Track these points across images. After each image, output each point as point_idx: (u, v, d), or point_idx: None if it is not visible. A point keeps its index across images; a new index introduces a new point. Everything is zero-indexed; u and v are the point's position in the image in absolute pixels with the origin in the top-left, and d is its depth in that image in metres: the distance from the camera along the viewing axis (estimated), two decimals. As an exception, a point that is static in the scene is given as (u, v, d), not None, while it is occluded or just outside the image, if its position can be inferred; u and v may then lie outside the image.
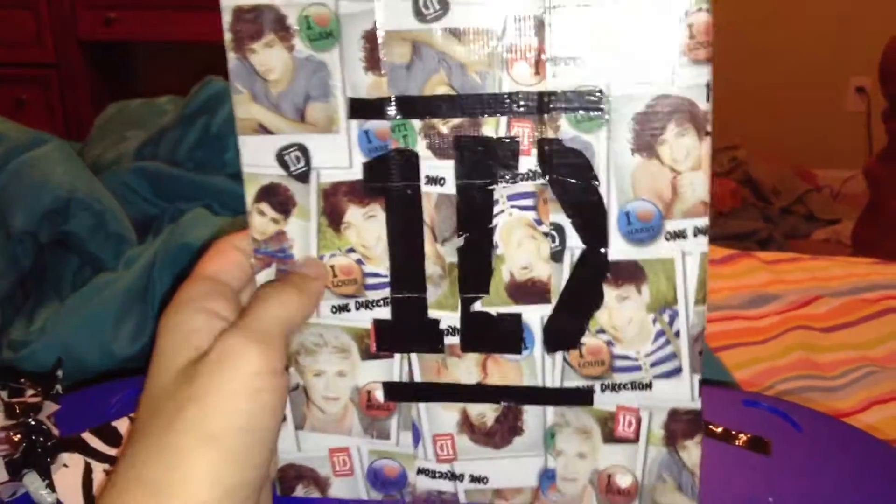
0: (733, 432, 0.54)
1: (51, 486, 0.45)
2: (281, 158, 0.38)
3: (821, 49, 2.96)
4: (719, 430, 0.54)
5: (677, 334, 0.39)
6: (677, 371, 0.39)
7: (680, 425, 0.40)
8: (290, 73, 0.37)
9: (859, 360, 0.92)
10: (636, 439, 0.41)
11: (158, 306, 0.69)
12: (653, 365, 0.39)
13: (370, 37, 0.36)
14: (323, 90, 0.37)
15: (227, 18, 0.37)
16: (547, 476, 0.42)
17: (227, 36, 0.37)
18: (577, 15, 0.36)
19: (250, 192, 0.39)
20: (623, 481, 0.41)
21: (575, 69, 0.36)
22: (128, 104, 1.13)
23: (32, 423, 0.46)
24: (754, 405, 0.57)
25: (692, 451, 0.41)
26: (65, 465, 0.46)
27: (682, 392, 0.40)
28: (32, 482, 0.45)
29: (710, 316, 1.06)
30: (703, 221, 0.37)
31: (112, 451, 0.47)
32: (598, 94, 0.36)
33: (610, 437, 0.41)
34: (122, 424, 0.48)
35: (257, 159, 0.38)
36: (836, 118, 3.07)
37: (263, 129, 0.38)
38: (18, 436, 0.45)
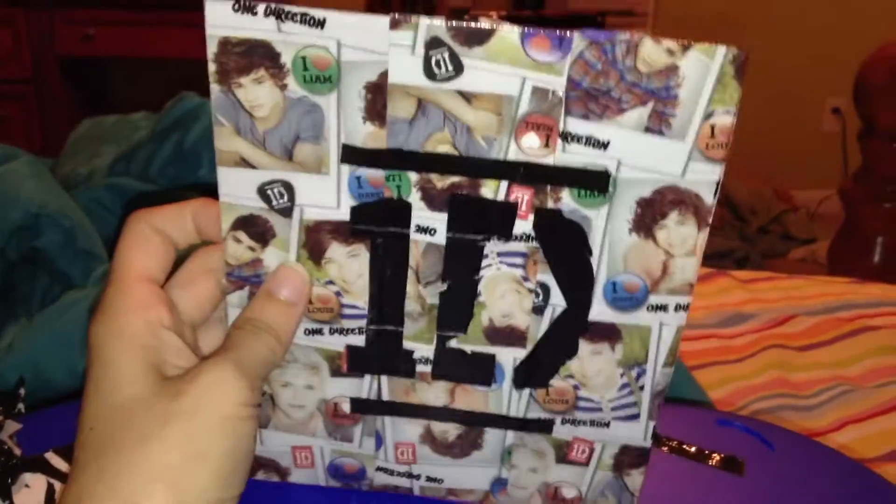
0: (707, 452, 0.54)
1: (11, 508, 0.44)
2: (263, 192, 0.36)
3: (796, 70, 2.99)
4: (693, 449, 0.54)
5: (641, 388, 0.40)
6: (635, 416, 0.41)
7: (628, 458, 0.42)
8: (279, 112, 0.34)
9: (834, 379, 0.93)
10: (587, 464, 0.43)
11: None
12: (613, 409, 0.41)
13: (374, 88, 0.34)
14: (314, 132, 0.35)
15: (212, 49, 0.33)
16: (499, 482, 0.43)
17: (211, 67, 0.33)
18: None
19: (227, 221, 0.37)
20: (568, 493, 0.43)
21: (587, 148, 0.35)
22: (102, 120, 1.13)
23: (-7, 442, 0.45)
24: (728, 425, 0.57)
25: (636, 478, 0.43)
26: (26, 486, 0.45)
27: (637, 433, 0.41)
28: (-8, 504, 0.44)
29: (685, 334, 1.05)
30: (687, 300, 0.38)
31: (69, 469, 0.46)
32: (606, 175, 0.35)
33: (563, 459, 0.43)
34: (85, 444, 0.47)
35: (236, 190, 0.36)
36: (812, 139, 3.10)
37: (246, 163, 0.35)
38: (-22, 456, 0.44)
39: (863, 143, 1.76)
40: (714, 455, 0.53)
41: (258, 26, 0.33)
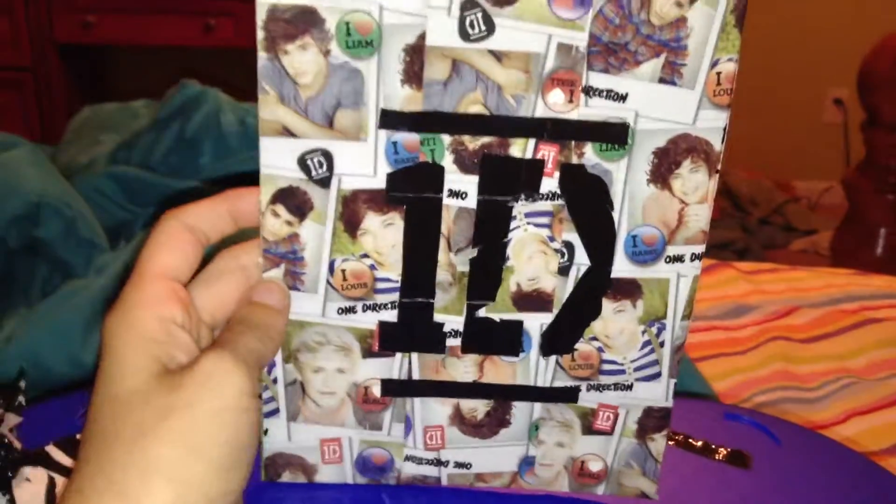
0: (713, 446, 0.53)
1: (12, 502, 0.44)
2: (303, 162, 0.37)
3: (798, 61, 2.98)
4: (699, 444, 0.54)
5: (662, 344, 0.42)
6: (657, 376, 0.43)
7: (651, 421, 0.44)
8: (322, 78, 0.36)
9: (838, 372, 0.92)
10: (611, 432, 0.44)
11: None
12: (636, 369, 0.43)
13: (411, 50, 0.36)
14: (354, 98, 0.36)
15: (261, 16, 0.35)
16: (526, 462, 0.45)
17: (260, 34, 0.35)
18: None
19: (266, 193, 0.38)
20: (594, 466, 0.45)
21: (607, 101, 0.37)
22: (102, 107, 1.12)
23: (-7, 435, 0.45)
24: (735, 419, 0.56)
25: (659, 443, 0.45)
26: (27, 480, 0.45)
27: (659, 393, 0.43)
28: (-8, 497, 0.44)
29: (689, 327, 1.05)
30: (701, 248, 0.40)
31: (73, 464, 0.46)
32: (626, 128, 0.38)
33: (588, 429, 0.44)
34: (87, 437, 0.47)
35: (277, 161, 0.37)
36: (814, 129, 3.10)
37: (287, 132, 0.37)
38: (-22, 449, 0.44)
39: (866, 134, 1.76)
40: (720, 449, 0.53)
41: None
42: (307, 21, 0.35)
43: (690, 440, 0.54)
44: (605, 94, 0.37)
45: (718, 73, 0.37)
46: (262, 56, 0.35)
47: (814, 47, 2.97)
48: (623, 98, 0.37)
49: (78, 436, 0.47)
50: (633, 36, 0.36)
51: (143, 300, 0.35)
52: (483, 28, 0.35)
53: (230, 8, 2.51)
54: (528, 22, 0.35)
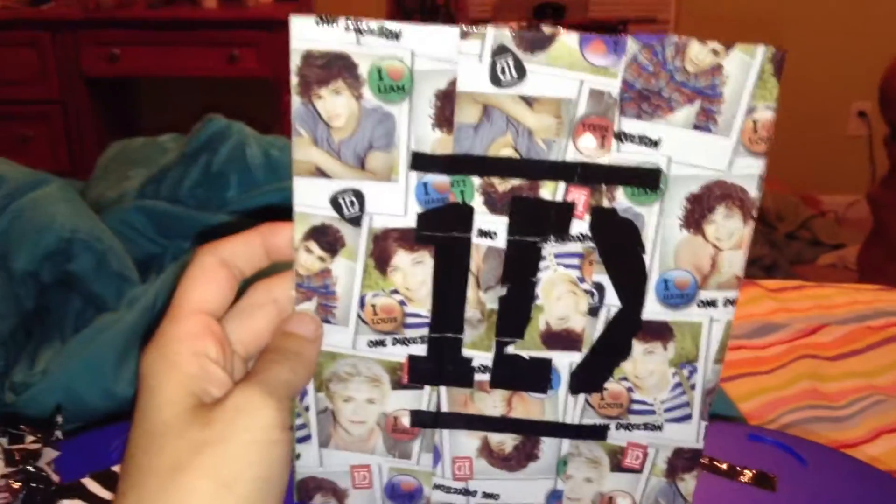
0: (738, 468, 0.54)
1: (50, 534, 0.45)
2: (335, 202, 0.38)
3: (822, 74, 2.97)
4: (724, 466, 0.54)
5: (693, 387, 0.42)
6: (688, 417, 0.42)
7: (682, 461, 0.44)
8: (354, 121, 0.37)
9: (866, 389, 0.92)
10: (641, 470, 0.44)
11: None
12: (666, 410, 0.42)
13: (443, 95, 0.36)
14: (386, 140, 0.37)
15: (295, 62, 0.35)
16: (554, 495, 0.45)
17: (294, 80, 0.36)
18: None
19: (300, 231, 0.38)
20: (622, 503, 0.45)
21: (640, 146, 0.37)
22: (130, 143, 1.14)
23: (32, 470, 0.46)
24: (759, 440, 0.57)
25: (689, 483, 0.44)
26: (65, 512, 0.46)
27: (689, 434, 0.43)
28: (32, 530, 0.45)
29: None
30: (735, 294, 0.40)
31: (112, 497, 0.47)
32: (658, 173, 0.37)
33: (617, 466, 0.44)
34: (122, 469, 0.48)
35: (310, 200, 0.38)
36: (838, 143, 3.08)
37: (320, 173, 0.37)
38: (18, 483, 0.45)
39: (889, 148, 1.75)
40: (746, 471, 0.53)
41: (338, 38, 0.35)
42: (340, 66, 0.36)
43: (716, 462, 0.54)
44: (637, 139, 0.37)
45: (755, 121, 0.37)
46: (295, 100, 0.36)
47: (837, 60, 2.96)
48: (656, 144, 0.37)
49: (114, 468, 0.48)
50: (667, 83, 0.36)
51: (178, 336, 0.36)
52: (514, 74, 0.36)
53: (254, 38, 2.55)
54: (560, 68, 0.36)
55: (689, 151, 0.37)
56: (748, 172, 0.38)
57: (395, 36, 0.35)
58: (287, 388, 0.37)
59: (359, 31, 0.35)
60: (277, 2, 2.73)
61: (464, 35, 0.35)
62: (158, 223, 0.90)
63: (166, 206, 0.90)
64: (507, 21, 2.96)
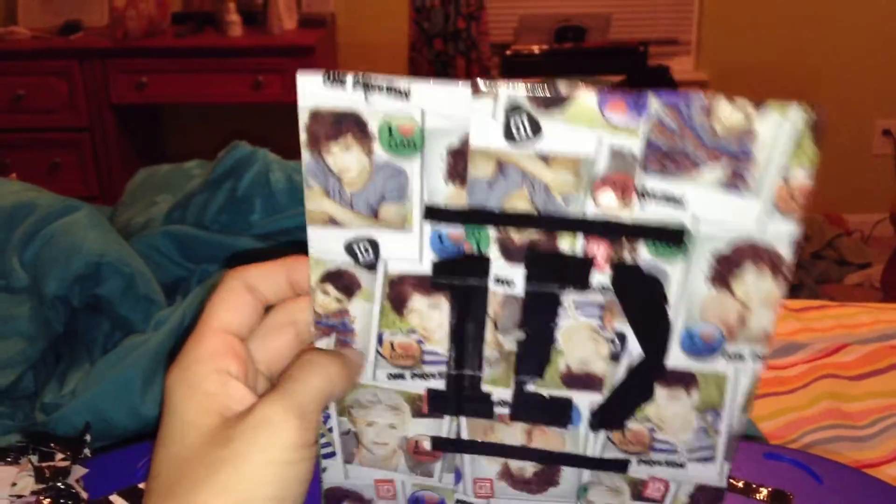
0: (754, 486, 0.54)
1: (79, 550, 0.46)
2: (350, 249, 0.38)
3: (847, 92, 2.96)
4: (740, 484, 0.54)
5: (717, 432, 0.40)
6: (711, 459, 0.41)
7: (704, 497, 0.43)
8: (366, 175, 0.36)
9: (889, 409, 0.91)
10: (662, 501, 0.43)
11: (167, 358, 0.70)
12: (689, 451, 0.41)
13: (455, 152, 0.35)
14: (399, 193, 0.36)
15: (303, 119, 0.35)
16: None
17: (303, 136, 0.35)
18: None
19: (315, 274, 0.38)
20: None
21: (663, 204, 0.35)
22: (157, 169, 1.16)
23: (62, 486, 0.47)
24: (776, 458, 0.57)
25: None
26: (93, 528, 0.47)
27: (713, 474, 0.42)
28: (61, 546, 0.46)
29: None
30: (763, 349, 0.38)
31: (138, 514, 0.48)
32: (682, 232, 0.36)
33: (638, 496, 0.43)
34: (148, 487, 0.49)
35: (325, 246, 0.38)
36: (863, 161, 3.06)
37: (334, 222, 0.37)
38: (48, 500, 0.46)
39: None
40: (762, 489, 0.53)
41: (346, 97, 0.34)
42: (349, 123, 0.35)
43: (732, 480, 0.54)
44: (660, 196, 0.35)
45: (790, 185, 0.34)
46: (305, 154, 0.35)
47: (862, 78, 2.95)
48: (680, 202, 0.35)
49: (140, 486, 0.50)
50: (694, 142, 0.34)
51: (200, 356, 0.36)
52: (529, 131, 0.34)
53: (278, 65, 2.59)
54: (578, 126, 0.34)
55: (716, 211, 0.35)
56: (781, 235, 0.35)
57: (405, 94, 0.34)
58: (316, 397, 0.36)
59: (367, 87, 0.34)
60: (302, 28, 2.76)
61: (475, 92, 0.34)
62: (184, 247, 0.91)
63: (192, 231, 0.92)
64: (528, 45, 2.98)
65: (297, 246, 0.39)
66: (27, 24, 2.72)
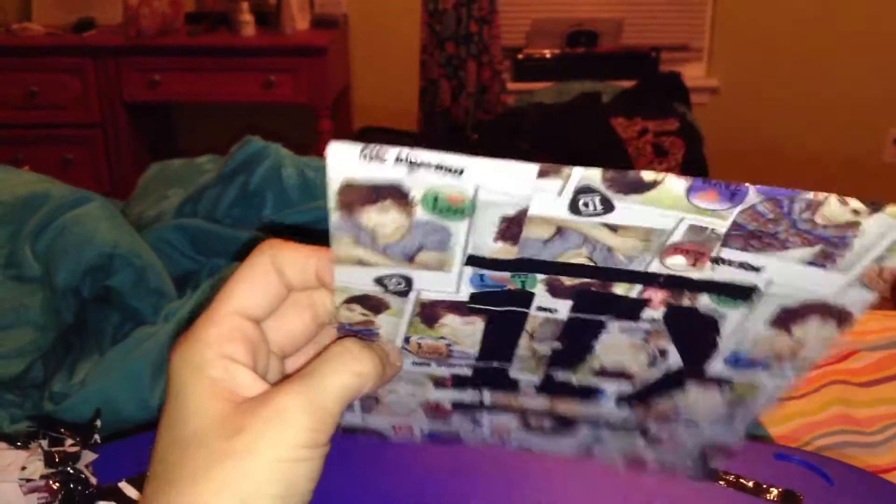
0: (765, 486, 0.54)
1: (88, 535, 0.46)
2: (380, 281, 0.34)
3: (858, 100, 2.95)
4: (750, 484, 0.54)
5: (741, 420, 0.41)
6: (730, 427, 0.41)
7: (711, 449, 0.43)
8: (404, 231, 0.31)
9: (898, 415, 0.91)
10: (671, 448, 0.44)
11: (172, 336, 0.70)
12: (709, 423, 0.42)
13: (509, 220, 0.30)
14: (440, 245, 0.32)
15: (333, 189, 0.29)
16: (586, 451, 0.45)
17: (332, 200, 0.30)
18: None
19: (339, 299, 0.35)
20: (648, 456, 0.45)
21: (739, 271, 0.33)
22: (169, 164, 1.17)
23: (71, 471, 0.47)
24: (786, 459, 0.57)
25: (714, 460, 0.44)
26: (102, 514, 0.47)
27: (727, 438, 0.42)
28: (70, 530, 0.46)
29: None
30: (805, 373, 0.37)
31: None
32: (752, 290, 0.33)
33: (651, 442, 0.44)
34: (157, 474, 0.49)
35: (352, 281, 0.34)
36: (875, 169, 3.05)
37: (363, 264, 0.33)
38: (58, 484, 0.46)
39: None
40: (772, 489, 0.53)
41: (386, 172, 0.29)
42: (388, 192, 0.30)
43: (742, 480, 0.54)
44: (737, 264, 0.32)
45: (882, 268, 0.32)
46: (335, 215, 0.30)
47: (873, 86, 2.94)
48: (757, 270, 0.32)
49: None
50: (787, 229, 0.31)
51: (208, 337, 0.35)
52: (599, 208, 0.30)
53: (290, 65, 2.59)
54: (658, 207, 0.30)
55: (794, 279, 0.33)
56: (858, 301, 0.33)
57: (458, 172, 0.29)
58: (341, 396, 0.34)
59: (412, 165, 0.29)
60: (314, 29, 2.77)
61: (543, 174, 0.29)
62: (196, 241, 0.92)
63: (204, 224, 0.92)
64: (541, 48, 2.98)
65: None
66: (41, 21, 2.73)
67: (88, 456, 0.49)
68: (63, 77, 2.61)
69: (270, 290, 0.36)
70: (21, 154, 2.60)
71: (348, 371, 0.34)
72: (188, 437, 0.33)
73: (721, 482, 0.54)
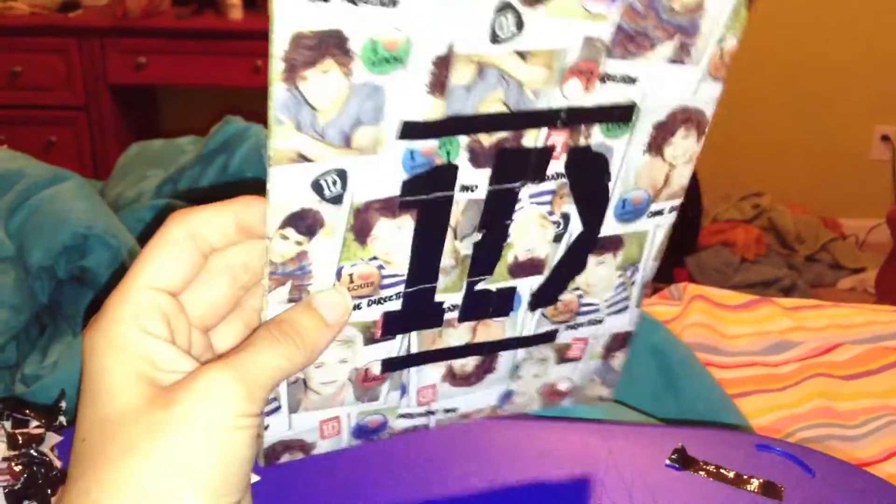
0: (745, 476, 0.53)
1: (51, 518, 0.45)
2: (316, 184, 0.35)
3: (845, 97, 2.96)
4: (731, 474, 0.53)
5: (633, 283, 0.46)
6: (625, 309, 0.47)
7: (616, 343, 0.49)
8: (342, 101, 0.33)
9: (880, 409, 0.91)
10: (581, 358, 0.49)
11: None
12: (609, 306, 0.47)
13: (440, 62, 0.34)
14: (375, 115, 0.34)
15: (282, 46, 0.31)
16: (506, 395, 0.48)
17: (279, 65, 0.32)
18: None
19: (276, 220, 0.35)
20: (563, 386, 0.50)
21: (621, 85, 0.38)
22: (149, 144, 1.15)
23: (35, 454, 0.46)
24: (767, 449, 0.56)
25: (619, 358, 0.50)
26: (66, 498, 0.46)
27: (625, 321, 0.48)
28: (33, 514, 0.45)
29: (729, 362, 1.04)
30: (679, 201, 0.43)
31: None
32: (632, 108, 0.39)
33: (562, 360, 0.48)
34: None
35: (289, 188, 0.35)
36: (861, 167, 3.06)
37: (302, 159, 0.34)
38: (20, 466, 0.45)
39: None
40: (752, 480, 0.53)
41: (329, 13, 0.31)
42: (330, 45, 0.32)
43: (722, 470, 0.54)
44: (619, 78, 0.38)
45: (722, 50, 0.38)
46: (279, 87, 0.32)
47: (861, 84, 2.95)
48: (633, 81, 0.38)
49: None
50: (654, 22, 0.37)
51: (123, 314, 0.34)
52: (514, 29, 0.35)
53: (277, 48, 2.57)
54: (558, 18, 0.35)
55: (662, 84, 0.39)
56: (709, 97, 0.40)
57: (393, 2, 0.32)
58: (271, 374, 0.34)
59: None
60: (302, 14, 2.75)
61: None
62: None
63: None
64: None
65: (246, 188, 0.36)
66: (27, 0, 2.70)
67: (53, 438, 0.47)
68: (47, 57, 2.57)
69: (182, 259, 0.35)
70: (3, 135, 2.57)
71: (277, 353, 0.35)
72: (114, 414, 0.32)
73: (702, 472, 0.54)
